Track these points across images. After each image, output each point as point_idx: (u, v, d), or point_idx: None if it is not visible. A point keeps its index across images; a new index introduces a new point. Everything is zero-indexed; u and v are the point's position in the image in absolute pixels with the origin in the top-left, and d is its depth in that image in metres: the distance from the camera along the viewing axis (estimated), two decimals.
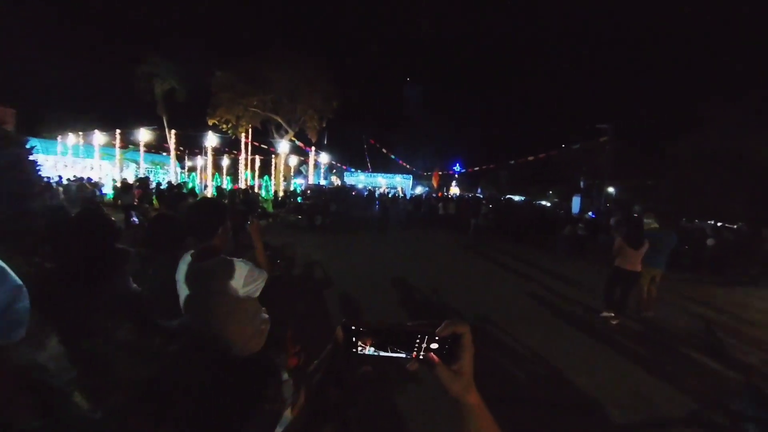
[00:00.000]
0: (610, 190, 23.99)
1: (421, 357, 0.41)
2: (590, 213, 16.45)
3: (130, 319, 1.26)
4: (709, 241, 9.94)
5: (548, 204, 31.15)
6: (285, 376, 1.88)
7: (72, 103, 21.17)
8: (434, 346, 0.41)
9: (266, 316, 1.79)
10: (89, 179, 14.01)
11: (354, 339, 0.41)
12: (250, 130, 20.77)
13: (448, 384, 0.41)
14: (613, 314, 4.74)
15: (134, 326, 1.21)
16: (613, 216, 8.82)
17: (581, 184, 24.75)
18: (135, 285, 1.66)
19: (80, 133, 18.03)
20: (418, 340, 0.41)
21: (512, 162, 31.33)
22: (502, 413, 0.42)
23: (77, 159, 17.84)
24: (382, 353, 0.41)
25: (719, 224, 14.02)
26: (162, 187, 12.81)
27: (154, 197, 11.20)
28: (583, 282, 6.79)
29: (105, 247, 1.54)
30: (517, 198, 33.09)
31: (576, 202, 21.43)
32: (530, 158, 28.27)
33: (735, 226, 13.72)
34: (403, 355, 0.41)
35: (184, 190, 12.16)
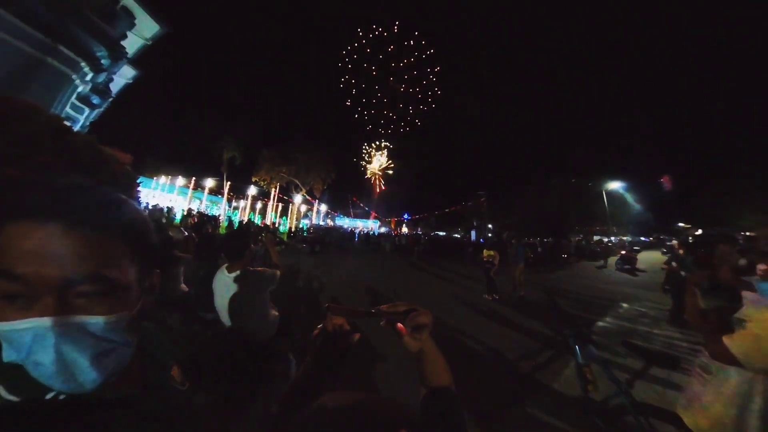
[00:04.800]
0: (489, 225, 27.36)
1: (391, 321, 0.38)
2: (481, 239, 17.89)
3: (178, 310, 1.06)
4: (539, 249, 11.66)
5: (458, 235, 33.20)
6: (290, 356, 1.64)
7: (166, 155, 20.57)
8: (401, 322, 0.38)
9: (276, 312, 1.57)
10: (160, 206, 12.53)
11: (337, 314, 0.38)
12: (277, 186, 20.74)
13: (410, 346, 0.38)
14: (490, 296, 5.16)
15: (181, 316, 1.02)
16: (490, 240, 10.00)
17: (474, 223, 27.54)
18: (184, 285, 1.41)
19: (168, 176, 17.20)
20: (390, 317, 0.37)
21: (437, 212, 34.97)
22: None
23: (163, 193, 16.53)
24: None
25: (541, 239, 17.37)
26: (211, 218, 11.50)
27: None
28: (480, 280, 7.03)
29: (162, 254, 1.33)
30: (441, 233, 35.14)
31: (473, 234, 23.85)
32: (447, 210, 32.49)
33: (548, 239, 16.97)
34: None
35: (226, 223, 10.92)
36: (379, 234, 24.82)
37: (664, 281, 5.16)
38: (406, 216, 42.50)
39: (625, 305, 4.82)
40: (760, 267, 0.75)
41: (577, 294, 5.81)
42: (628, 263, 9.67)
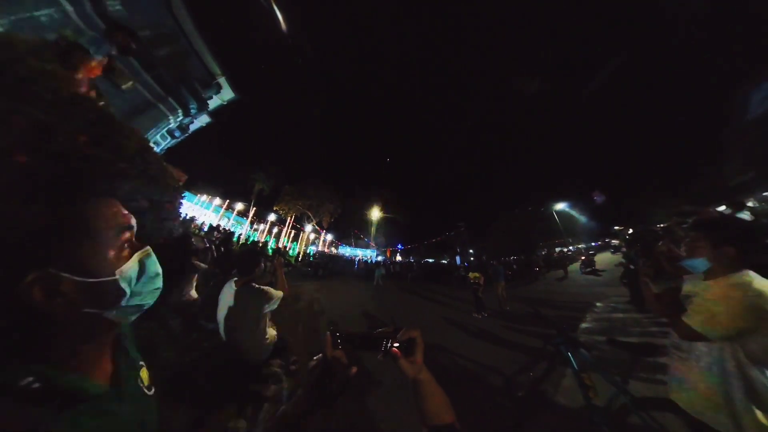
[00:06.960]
0: (471, 251, 27.33)
1: (386, 349, 0.34)
2: (465, 263, 17.60)
3: (182, 315, 0.91)
4: (514, 266, 11.62)
5: (444, 261, 32.31)
6: (283, 380, 1.35)
7: (212, 180, 21.01)
8: (396, 344, 0.34)
9: (274, 332, 1.37)
10: (195, 218, 11.86)
11: (338, 341, 0.34)
12: (293, 216, 21.17)
13: (406, 370, 0.34)
14: (479, 315, 4.69)
15: (183, 321, 0.86)
16: (473, 263, 9.83)
17: (458, 249, 27.46)
18: (195, 293, 1.25)
19: (209, 196, 17.50)
20: (384, 342, 0.34)
21: (425, 242, 35.31)
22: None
23: (201, 208, 16.23)
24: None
25: (514, 257, 17.72)
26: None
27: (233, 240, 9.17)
28: (467, 300, 6.49)
29: (182, 260, 1.21)
30: (430, 260, 34.22)
31: (458, 259, 23.70)
32: (434, 240, 32.79)
33: (521, 257, 17.16)
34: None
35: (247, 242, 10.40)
36: (376, 262, 23.85)
37: (621, 276, 5.32)
38: (399, 246, 42.12)
39: (598, 304, 4.60)
40: (682, 248, 0.78)
41: (555, 300, 5.53)
42: (589, 266, 9.62)
